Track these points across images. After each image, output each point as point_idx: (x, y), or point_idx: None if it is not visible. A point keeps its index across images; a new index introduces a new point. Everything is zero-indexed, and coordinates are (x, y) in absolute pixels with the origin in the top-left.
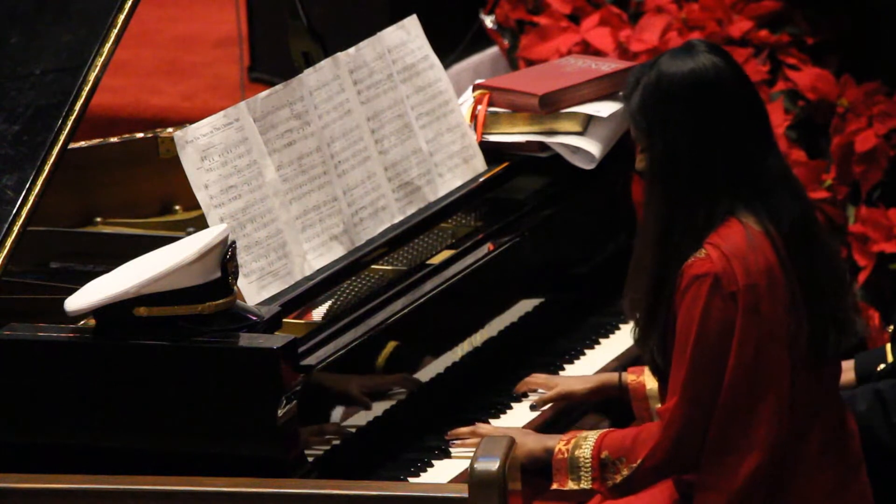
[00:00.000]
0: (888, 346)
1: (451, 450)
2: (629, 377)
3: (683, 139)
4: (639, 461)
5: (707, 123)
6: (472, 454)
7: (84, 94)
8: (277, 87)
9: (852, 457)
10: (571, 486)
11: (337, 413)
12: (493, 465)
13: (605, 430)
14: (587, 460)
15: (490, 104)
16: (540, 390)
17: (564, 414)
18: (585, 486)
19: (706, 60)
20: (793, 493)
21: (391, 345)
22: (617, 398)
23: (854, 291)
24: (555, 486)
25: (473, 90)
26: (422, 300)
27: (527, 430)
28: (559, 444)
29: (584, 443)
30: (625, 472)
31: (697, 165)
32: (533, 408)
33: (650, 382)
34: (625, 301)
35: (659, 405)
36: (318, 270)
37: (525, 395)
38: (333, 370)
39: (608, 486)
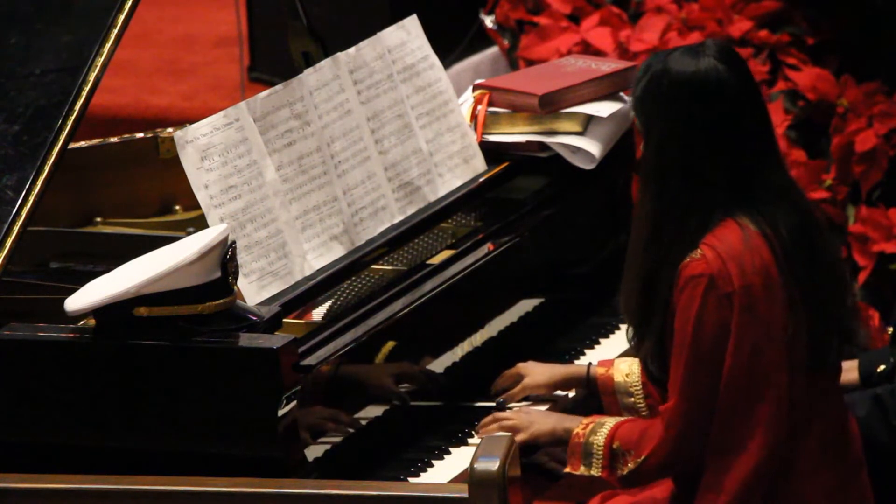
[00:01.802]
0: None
1: (479, 436)
2: (598, 370)
3: (674, 141)
4: (643, 457)
5: (700, 130)
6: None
7: (84, 94)
8: (277, 87)
9: (852, 458)
10: (583, 471)
11: (337, 413)
12: (493, 465)
13: (622, 419)
14: (599, 448)
15: (490, 104)
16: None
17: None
18: (595, 474)
19: (710, 66)
20: (792, 493)
21: (391, 345)
22: (584, 391)
23: (854, 294)
24: (567, 469)
25: (473, 90)
26: (422, 300)
27: (549, 411)
28: (578, 427)
29: (600, 430)
30: (630, 466)
31: (686, 169)
32: (500, 405)
33: (618, 376)
34: (619, 301)
35: (628, 399)
36: (318, 270)
37: (527, 397)
38: (333, 370)
39: (616, 477)
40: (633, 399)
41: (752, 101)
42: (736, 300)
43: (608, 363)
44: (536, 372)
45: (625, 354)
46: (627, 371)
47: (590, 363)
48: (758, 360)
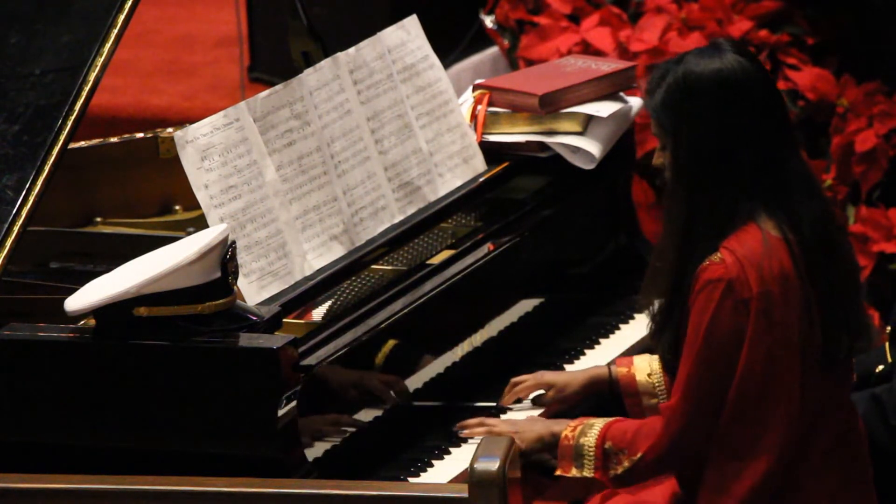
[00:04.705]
0: (887, 346)
1: (460, 435)
2: (619, 370)
3: (710, 136)
4: (639, 455)
5: (733, 122)
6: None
7: (84, 94)
8: (277, 87)
9: (860, 457)
10: (574, 473)
11: (337, 413)
12: (493, 465)
13: (611, 419)
14: (591, 449)
15: (490, 104)
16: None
17: (564, 414)
18: (588, 475)
19: (733, 60)
20: (800, 492)
21: (391, 344)
22: (608, 393)
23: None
24: (559, 472)
25: (473, 90)
26: (422, 300)
27: (535, 417)
28: (566, 429)
29: (590, 431)
30: (626, 465)
31: (722, 163)
32: (536, 402)
33: (640, 375)
34: (641, 296)
35: (652, 401)
36: (318, 270)
37: (519, 400)
38: (333, 370)
39: (609, 477)
40: (656, 401)
41: (773, 91)
42: (753, 306)
43: (627, 362)
44: (560, 382)
45: (629, 352)
46: (648, 370)
47: (609, 364)
48: (772, 365)
